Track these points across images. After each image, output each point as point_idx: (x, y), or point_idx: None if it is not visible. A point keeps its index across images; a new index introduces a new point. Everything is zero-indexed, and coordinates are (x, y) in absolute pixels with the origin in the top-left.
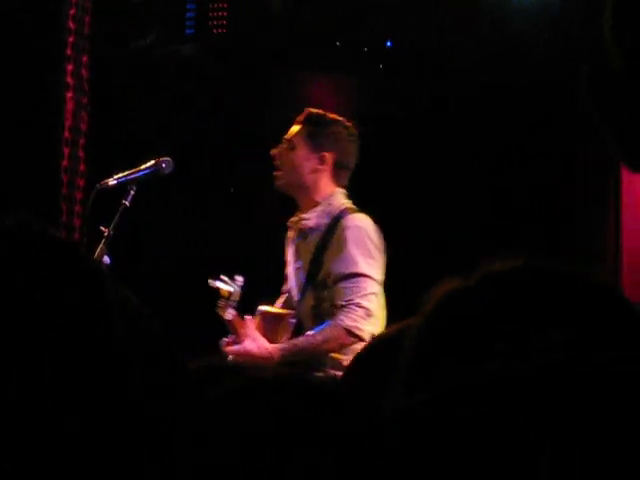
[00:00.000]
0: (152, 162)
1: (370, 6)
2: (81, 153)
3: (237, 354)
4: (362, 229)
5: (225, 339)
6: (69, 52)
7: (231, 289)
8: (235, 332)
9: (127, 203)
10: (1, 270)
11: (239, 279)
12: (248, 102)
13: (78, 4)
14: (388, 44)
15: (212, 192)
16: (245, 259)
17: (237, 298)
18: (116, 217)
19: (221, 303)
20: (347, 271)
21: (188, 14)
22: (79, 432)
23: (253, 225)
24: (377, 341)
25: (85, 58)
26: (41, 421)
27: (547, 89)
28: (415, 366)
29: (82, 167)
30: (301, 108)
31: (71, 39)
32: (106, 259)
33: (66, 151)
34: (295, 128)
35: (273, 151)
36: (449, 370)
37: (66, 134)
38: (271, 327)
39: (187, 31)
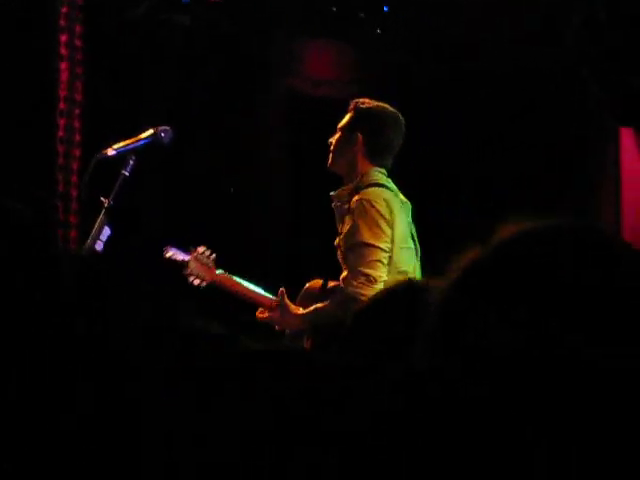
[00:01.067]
0: (151, 131)
1: None
2: (77, 123)
3: (266, 321)
4: (368, 200)
5: (260, 309)
6: (62, 23)
7: (185, 257)
8: (228, 290)
9: (127, 173)
10: None
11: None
12: (245, 69)
13: None
14: (385, 9)
15: (211, 162)
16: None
17: (193, 266)
18: (116, 187)
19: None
20: (353, 241)
21: None
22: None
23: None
24: (378, 297)
25: (79, 28)
26: None
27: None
28: (439, 331)
29: (78, 137)
30: (299, 74)
31: (64, 9)
32: (107, 230)
33: (61, 122)
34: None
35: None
36: (471, 339)
37: (61, 105)
38: (317, 299)
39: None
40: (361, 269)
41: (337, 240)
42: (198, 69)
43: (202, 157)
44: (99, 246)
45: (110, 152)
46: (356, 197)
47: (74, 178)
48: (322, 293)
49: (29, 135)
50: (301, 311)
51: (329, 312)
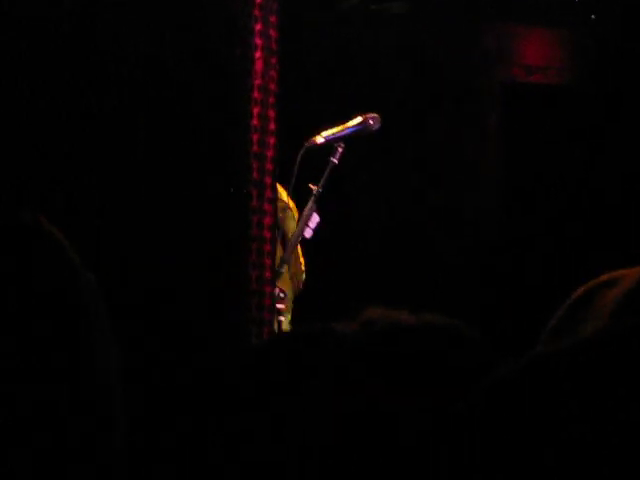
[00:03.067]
0: (360, 119)
1: None
2: (271, 112)
3: None
4: None
5: None
6: (257, 12)
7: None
8: None
9: (335, 161)
10: None
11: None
12: (456, 56)
13: None
14: None
15: (416, 149)
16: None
17: None
18: (325, 175)
19: None
20: None
21: None
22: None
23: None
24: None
25: (274, 18)
26: None
27: None
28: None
29: (272, 126)
30: (513, 62)
31: (259, 0)
32: (315, 217)
33: (255, 110)
34: None
35: None
36: None
37: (255, 94)
38: None
39: None
40: None
41: None
42: (411, 58)
43: (409, 146)
44: (308, 233)
45: (319, 140)
46: None
47: (268, 166)
48: None
49: (223, 123)
50: None
51: None
